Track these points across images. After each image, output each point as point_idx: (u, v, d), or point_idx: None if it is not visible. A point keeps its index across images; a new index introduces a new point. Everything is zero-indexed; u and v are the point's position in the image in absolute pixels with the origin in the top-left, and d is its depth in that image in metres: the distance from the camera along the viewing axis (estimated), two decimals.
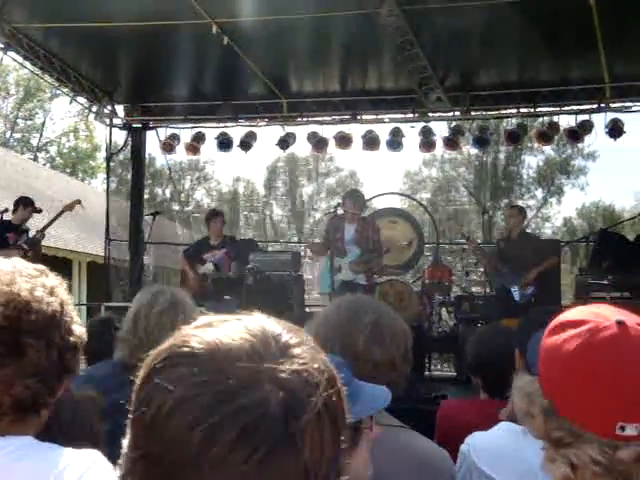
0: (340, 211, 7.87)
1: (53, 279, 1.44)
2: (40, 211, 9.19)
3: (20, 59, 9.89)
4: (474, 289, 10.10)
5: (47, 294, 1.37)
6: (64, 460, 1.31)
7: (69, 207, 9.29)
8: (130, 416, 0.85)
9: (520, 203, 37.48)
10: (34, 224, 9.36)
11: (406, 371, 2.03)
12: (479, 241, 12.30)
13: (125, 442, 0.85)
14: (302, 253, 11.75)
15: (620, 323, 1.12)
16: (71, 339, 1.40)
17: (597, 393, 1.10)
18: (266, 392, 0.79)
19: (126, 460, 0.84)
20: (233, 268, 8.63)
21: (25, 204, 8.92)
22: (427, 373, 8.50)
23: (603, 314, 1.15)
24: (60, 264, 9.61)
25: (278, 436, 0.78)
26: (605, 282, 8.28)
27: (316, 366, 0.85)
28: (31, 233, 8.96)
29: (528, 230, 32.86)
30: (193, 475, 0.78)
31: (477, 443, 2.20)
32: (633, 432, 1.08)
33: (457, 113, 10.69)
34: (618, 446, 1.10)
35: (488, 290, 9.61)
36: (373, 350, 1.95)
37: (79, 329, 1.44)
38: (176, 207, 36.33)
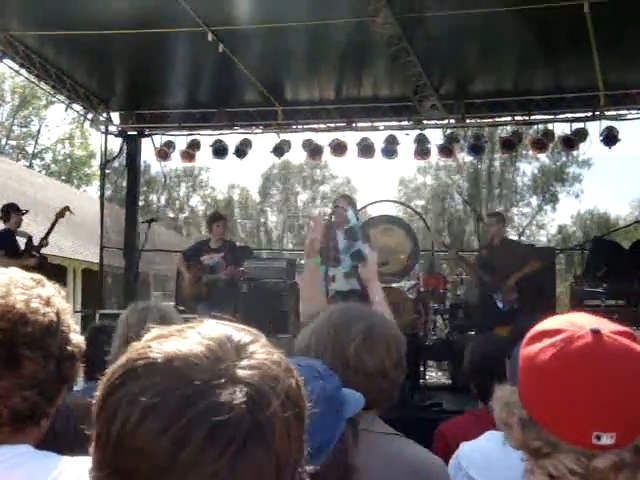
0: (334, 218, 7.85)
1: (49, 289, 1.43)
2: (27, 212, 9.27)
3: (16, 67, 9.88)
4: (469, 297, 10.10)
5: (43, 305, 1.36)
6: (59, 468, 1.30)
7: (60, 214, 9.30)
8: (94, 436, 0.86)
9: (515, 211, 37.69)
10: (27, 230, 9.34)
11: (399, 379, 2.02)
12: (475, 248, 12.29)
13: (90, 464, 0.86)
14: (297, 260, 11.75)
15: (595, 332, 1.12)
16: (69, 348, 1.39)
17: (572, 403, 1.09)
18: (229, 390, 0.81)
19: (97, 479, 0.85)
20: (228, 272, 8.63)
21: (14, 210, 8.93)
22: (422, 381, 8.48)
23: (579, 323, 1.15)
24: (55, 271, 9.59)
25: (247, 431, 0.80)
26: (600, 290, 8.30)
27: (273, 359, 0.89)
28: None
29: (513, 237, 33.05)
30: None
31: (466, 453, 2.20)
32: (609, 441, 1.08)
33: (452, 121, 10.72)
34: (594, 455, 1.10)
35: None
36: (364, 358, 1.94)
37: (77, 338, 1.43)
38: (171, 214, 36.35)
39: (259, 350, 0.89)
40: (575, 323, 1.15)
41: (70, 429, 1.67)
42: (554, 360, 1.12)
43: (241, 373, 0.84)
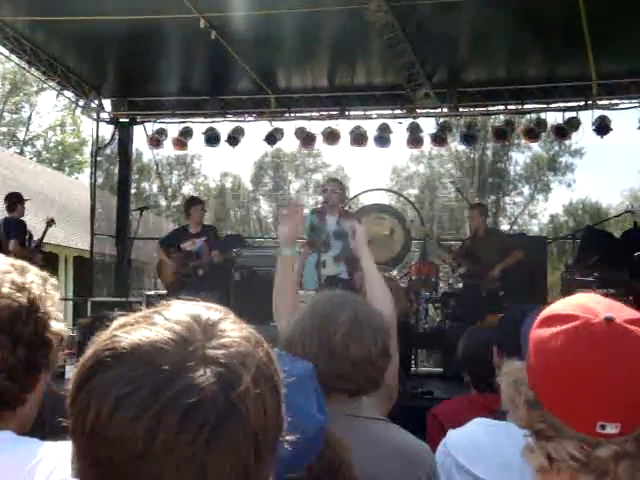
0: (325, 205, 7.83)
1: (31, 276, 1.42)
2: (28, 199, 9.37)
3: (6, 52, 9.84)
4: (461, 286, 10.13)
5: (15, 290, 1.35)
6: (40, 453, 1.30)
7: (49, 223, 9.44)
8: (70, 429, 0.86)
9: (507, 200, 37.75)
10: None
11: (384, 366, 2.04)
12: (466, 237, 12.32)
13: (71, 456, 0.87)
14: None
15: (608, 320, 1.11)
16: (45, 335, 1.38)
17: (580, 391, 1.10)
18: (200, 372, 0.82)
19: (77, 472, 0.86)
20: (216, 257, 8.40)
21: (20, 200, 9.08)
22: (413, 369, 8.51)
23: (593, 309, 1.14)
24: (47, 259, 9.56)
25: (220, 410, 0.81)
26: (591, 279, 8.32)
27: (242, 335, 0.89)
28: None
29: (504, 227, 33.04)
30: (145, 466, 0.80)
31: (454, 440, 2.21)
32: (613, 430, 1.08)
33: (445, 109, 10.72)
34: (597, 444, 1.10)
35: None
36: (350, 347, 1.95)
37: (57, 325, 1.42)
38: (163, 202, 36.26)
39: (228, 327, 0.89)
40: (590, 309, 1.14)
41: (57, 416, 1.67)
42: (565, 347, 1.12)
43: (210, 353, 0.84)
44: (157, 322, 0.88)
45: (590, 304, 1.16)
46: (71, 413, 0.86)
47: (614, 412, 1.09)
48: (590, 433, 1.10)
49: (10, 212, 9.01)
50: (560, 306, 1.19)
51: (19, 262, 1.44)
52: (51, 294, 1.44)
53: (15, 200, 9.05)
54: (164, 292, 9.01)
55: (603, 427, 1.08)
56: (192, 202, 8.98)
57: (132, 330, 0.87)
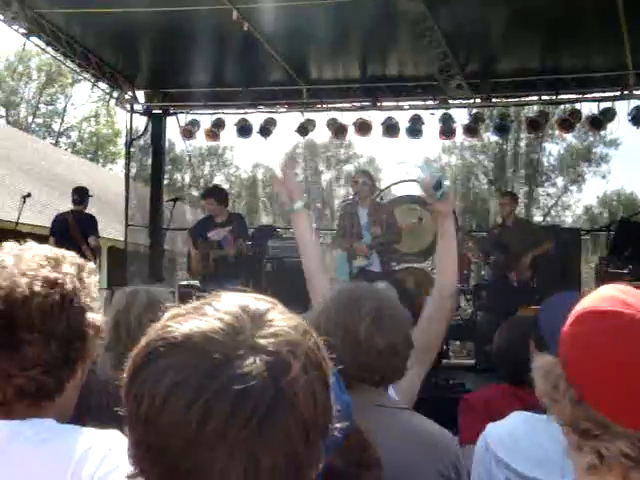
0: (356, 198, 7.81)
1: (66, 267, 1.43)
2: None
3: (42, 44, 9.93)
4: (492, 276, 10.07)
5: (47, 287, 1.37)
6: (86, 442, 1.33)
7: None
8: (126, 416, 0.89)
9: (540, 191, 37.36)
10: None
11: (408, 354, 2.05)
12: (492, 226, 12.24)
13: (128, 443, 0.90)
14: (321, 239, 11.77)
15: None
16: (82, 328, 1.41)
17: (628, 388, 1.08)
18: (249, 360, 0.84)
19: (134, 459, 0.89)
20: (237, 246, 8.14)
21: (87, 194, 9.45)
22: (445, 361, 8.50)
23: (634, 305, 1.12)
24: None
25: (270, 398, 0.83)
26: (625, 271, 8.24)
27: (290, 324, 0.91)
28: None
29: (537, 218, 32.65)
30: (197, 452, 0.82)
31: (493, 434, 2.21)
32: None
33: (478, 100, 10.63)
34: None
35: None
36: (375, 337, 1.97)
37: (93, 317, 1.44)
38: (195, 193, 36.47)
39: (276, 317, 0.92)
40: (630, 304, 1.13)
41: (103, 403, 1.70)
42: (613, 345, 1.10)
43: (259, 342, 0.87)
44: (207, 312, 0.91)
45: (630, 299, 1.14)
46: (126, 402, 0.89)
47: None
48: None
49: (77, 205, 9.25)
50: (594, 302, 1.17)
51: (54, 252, 1.46)
52: (86, 283, 1.46)
53: (84, 194, 9.38)
54: (196, 282, 9.05)
55: None
56: (205, 194, 8.81)
57: (183, 320, 0.90)
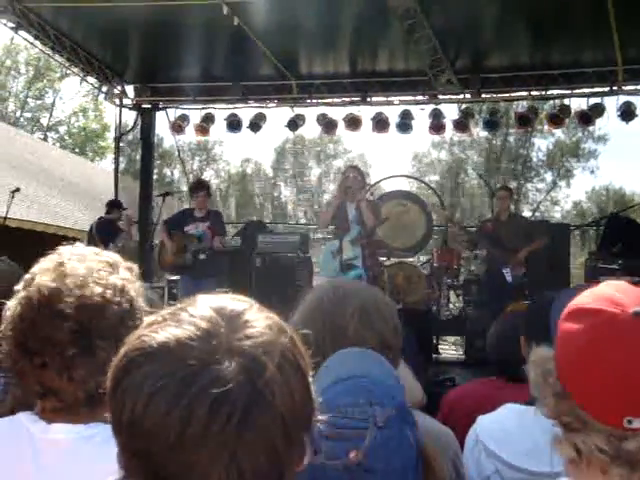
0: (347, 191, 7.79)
1: (123, 272, 1.49)
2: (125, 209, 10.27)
3: (31, 38, 9.87)
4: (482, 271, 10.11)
5: (118, 295, 1.43)
6: None
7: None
8: (111, 425, 0.92)
9: (529, 186, 37.50)
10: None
11: (399, 344, 2.04)
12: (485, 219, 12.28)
13: (116, 449, 0.93)
14: (310, 235, 11.76)
15: (637, 315, 1.11)
16: None
17: (608, 386, 1.10)
18: (225, 364, 0.87)
19: (121, 463, 0.92)
20: (216, 243, 8.13)
21: (119, 207, 10.06)
22: (435, 356, 8.52)
23: (621, 302, 1.14)
24: (70, 244, 9.67)
25: (247, 398, 0.86)
26: (615, 266, 8.29)
27: (265, 324, 0.94)
28: None
29: (526, 213, 32.74)
30: (179, 456, 0.85)
31: (484, 426, 2.21)
32: None
33: (467, 95, 10.64)
34: (625, 437, 1.11)
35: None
36: (365, 336, 1.96)
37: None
38: (185, 188, 36.40)
39: (252, 318, 0.94)
40: (617, 302, 1.14)
41: None
42: (593, 342, 1.12)
43: (235, 345, 0.89)
44: (183, 319, 0.93)
45: (618, 297, 1.15)
46: (110, 410, 0.92)
47: None
48: (617, 427, 1.10)
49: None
50: (587, 299, 1.19)
51: (109, 256, 1.51)
52: (137, 286, 1.51)
53: (115, 206, 10.08)
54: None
55: (630, 422, 1.09)
56: (197, 187, 8.67)
57: (159, 329, 0.92)
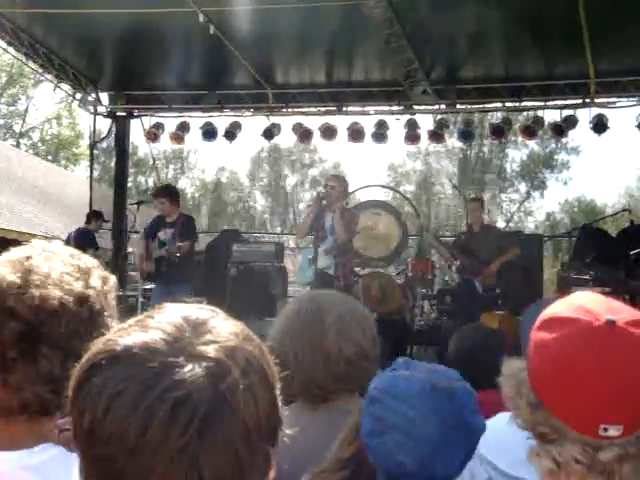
0: (324, 202, 7.79)
1: (94, 281, 1.37)
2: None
3: (4, 44, 9.81)
4: (456, 282, 10.15)
5: (78, 304, 1.32)
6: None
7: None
8: (72, 431, 0.90)
9: (503, 197, 37.79)
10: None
11: (377, 354, 2.05)
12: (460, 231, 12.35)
13: (76, 454, 0.91)
14: (285, 244, 11.74)
15: (610, 323, 1.11)
16: None
17: (582, 394, 1.10)
18: (188, 367, 0.86)
19: (80, 470, 0.90)
20: (173, 248, 7.91)
21: (98, 217, 10.33)
22: None
23: (594, 311, 1.14)
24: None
25: (209, 402, 0.84)
26: (587, 277, 8.34)
27: (231, 330, 0.93)
28: None
29: (500, 223, 32.96)
30: (139, 460, 0.83)
31: None
32: (615, 433, 1.09)
33: (442, 106, 10.71)
34: (600, 446, 1.11)
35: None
36: (343, 347, 1.96)
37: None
38: None
39: (217, 324, 0.93)
40: (590, 311, 1.14)
41: None
42: (567, 351, 1.12)
43: (199, 349, 0.88)
44: (149, 324, 0.92)
45: (590, 305, 1.16)
46: (71, 415, 0.90)
47: (616, 414, 1.09)
48: (593, 436, 1.10)
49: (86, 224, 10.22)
50: (560, 308, 1.19)
51: (83, 261, 1.40)
52: (109, 298, 1.40)
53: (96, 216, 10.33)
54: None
55: (605, 430, 1.09)
56: (156, 194, 8.53)
57: (125, 334, 0.91)
